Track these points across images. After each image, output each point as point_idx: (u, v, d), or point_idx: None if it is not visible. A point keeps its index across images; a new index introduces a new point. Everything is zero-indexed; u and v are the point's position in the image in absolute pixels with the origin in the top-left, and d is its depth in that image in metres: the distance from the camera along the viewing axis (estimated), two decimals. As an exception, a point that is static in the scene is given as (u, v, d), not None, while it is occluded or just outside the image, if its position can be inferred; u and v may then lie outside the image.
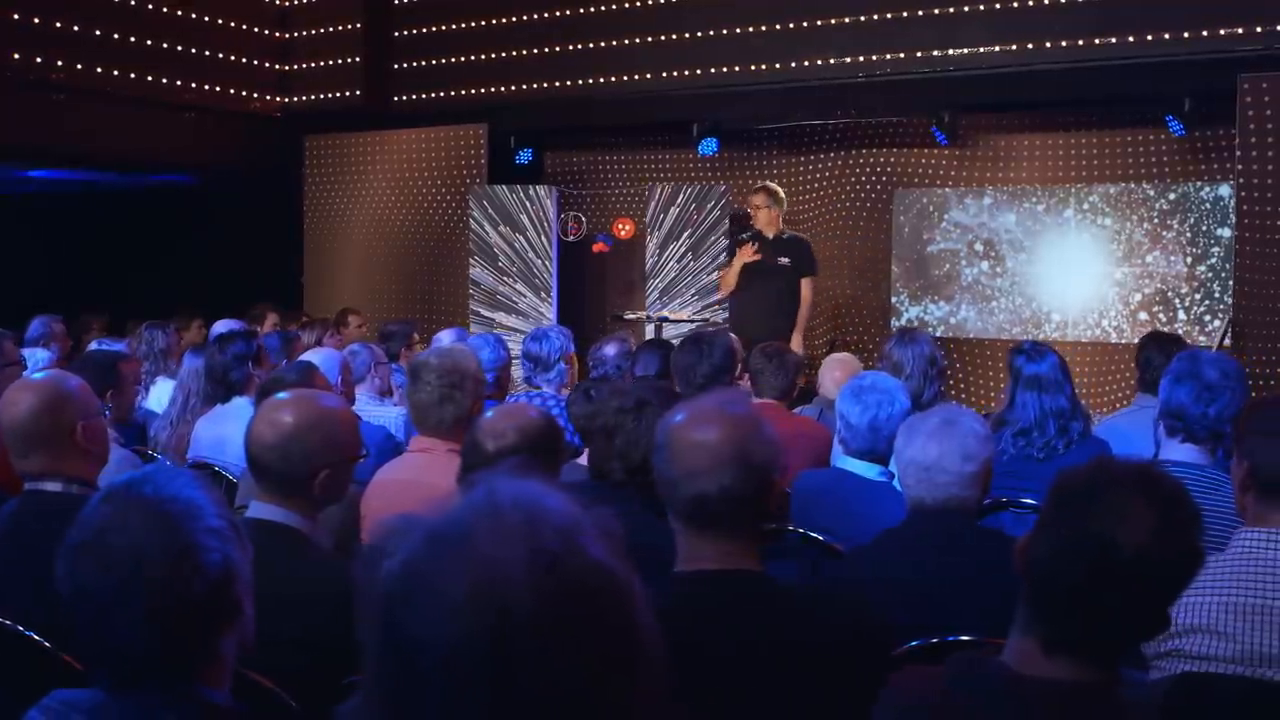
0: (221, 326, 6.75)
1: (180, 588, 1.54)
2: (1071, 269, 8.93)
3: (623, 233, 10.35)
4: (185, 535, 1.57)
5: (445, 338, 5.86)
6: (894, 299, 9.65)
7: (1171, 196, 8.63)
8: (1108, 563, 1.61)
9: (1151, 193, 8.69)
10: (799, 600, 2.16)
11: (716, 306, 9.34)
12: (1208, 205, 8.48)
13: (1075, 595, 1.64)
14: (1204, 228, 8.50)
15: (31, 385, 2.86)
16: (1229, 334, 7.40)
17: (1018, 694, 1.68)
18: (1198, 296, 8.55)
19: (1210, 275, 8.46)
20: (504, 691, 1.00)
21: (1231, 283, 7.77)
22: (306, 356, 4.95)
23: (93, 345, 6.36)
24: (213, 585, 1.57)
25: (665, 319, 8.33)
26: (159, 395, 6.26)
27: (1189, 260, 8.58)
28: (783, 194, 8.48)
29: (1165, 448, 3.39)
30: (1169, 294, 8.65)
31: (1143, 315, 8.70)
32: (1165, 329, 8.51)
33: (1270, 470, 2.48)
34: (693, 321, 8.50)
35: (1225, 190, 8.27)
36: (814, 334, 9.86)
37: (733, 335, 4.90)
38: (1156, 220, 8.68)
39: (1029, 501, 4.10)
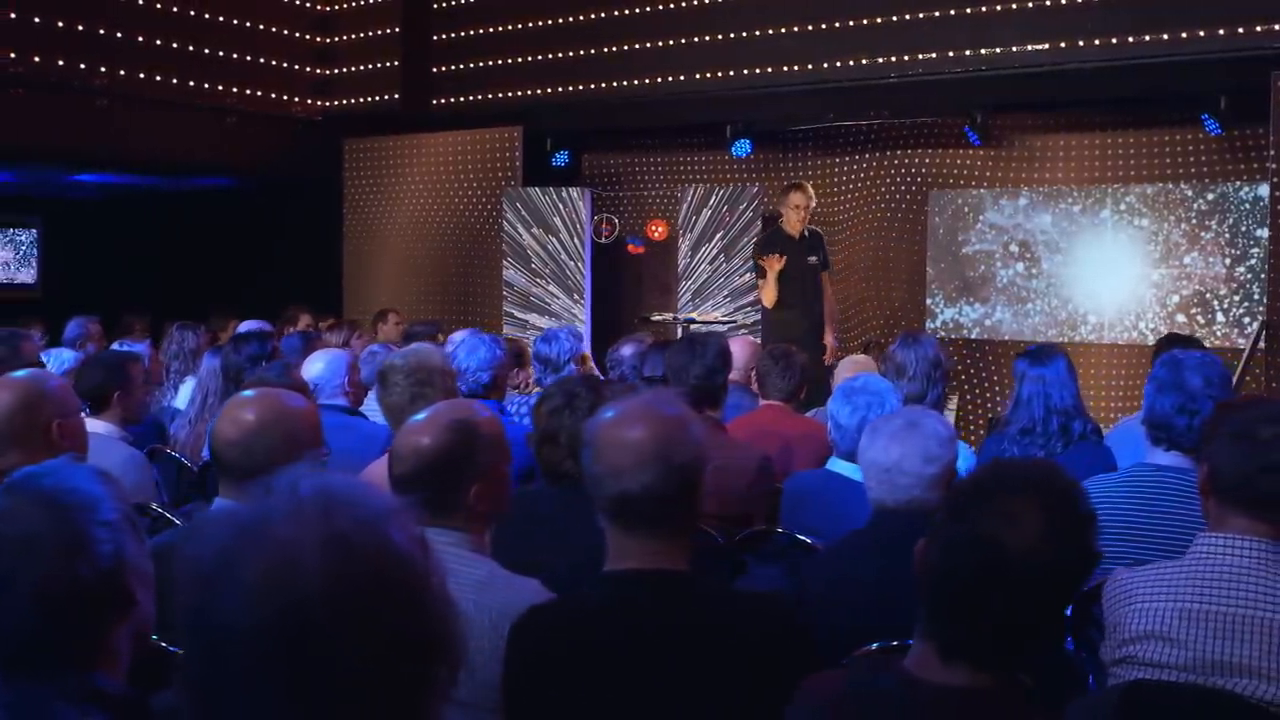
0: (246, 327, 6.84)
1: (70, 576, 1.58)
2: (1108, 270, 8.80)
3: (656, 234, 10.36)
4: (78, 526, 1.61)
5: (458, 338, 5.90)
6: (929, 300, 9.56)
7: (1210, 196, 8.47)
8: (997, 565, 1.59)
9: (1190, 193, 8.54)
10: (722, 602, 2.15)
11: (749, 308, 9.32)
12: (1247, 205, 8.32)
13: (966, 599, 1.62)
14: (1243, 228, 8.34)
15: (8, 383, 2.92)
16: (1263, 336, 7.24)
17: (912, 699, 1.66)
18: (1236, 298, 8.39)
19: (1249, 276, 8.30)
20: (300, 673, 1.03)
21: (1267, 284, 7.60)
22: (315, 357, 5.00)
23: (114, 346, 6.46)
24: (103, 575, 1.61)
25: (692, 320, 8.32)
26: (186, 395, 6.37)
27: (1228, 261, 8.42)
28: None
29: (1150, 452, 3.33)
30: (1207, 296, 8.49)
31: (1180, 317, 8.55)
32: (1203, 331, 8.38)
33: (1230, 474, 2.42)
34: (720, 323, 8.48)
35: (1265, 190, 8.10)
36: (849, 336, 9.80)
37: (752, 337, 4.89)
38: (1195, 221, 8.52)
39: (1030, 505, 4.06)
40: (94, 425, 4.51)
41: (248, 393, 2.80)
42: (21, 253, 12.49)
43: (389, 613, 1.06)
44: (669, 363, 4.32)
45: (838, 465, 3.85)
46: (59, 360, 6.04)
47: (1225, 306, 8.43)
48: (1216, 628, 2.34)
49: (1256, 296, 8.22)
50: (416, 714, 1.09)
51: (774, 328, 8.18)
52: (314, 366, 4.87)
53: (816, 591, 2.75)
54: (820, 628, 2.62)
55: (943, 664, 1.66)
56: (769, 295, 8.16)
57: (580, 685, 2.07)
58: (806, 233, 8.24)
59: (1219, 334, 8.40)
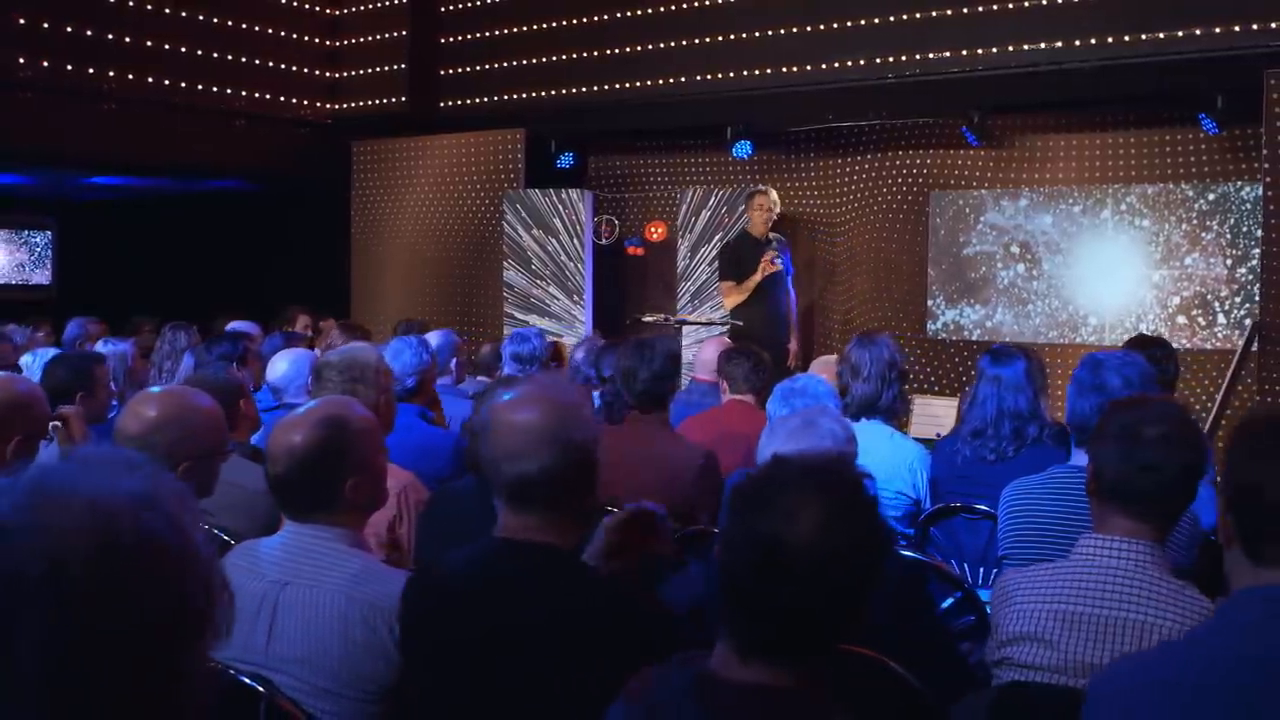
0: (232, 328, 6.91)
1: None
2: (1109, 271, 8.71)
3: (654, 235, 10.36)
4: None
5: (433, 339, 5.94)
6: (930, 302, 9.50)
7: (1211, 197, 8.37)
8: (778, 563, 1.58)
9: (1190, 193, 8.44)
10: (592, 583, 2.19)
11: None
12: (1248, 206, 8.21)
13: (752, 597, 1.62)
14: (1244, 229, 8.23)
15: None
16: (1255, 339, 7.14)
17: (712, 698, 1.66)
18: (1238, 299, 8.28)
19: (1250, 277, 8.18)
20: (56, 637, 1.06)
21: (1259, 285, 7.50)
22: (279, 357, 5.05)
23: (99, 344, 6.54)
24: None
25: (685, 321, 8.32)
26: (175, 394, 6.43)
27: (1229, 262, 8.31)
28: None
29: (1073, 454, 3.31)
30: (1208, 296, 8.39)
31: (1181, 319, 8.45)
32: (1204, 332, 8.29)
33: (1112, 474, 2.40)
34: (711, 324, 8.47)
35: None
36: (851, 337, 9.75)
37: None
38: (1195, 221, 8.42)
39: (981, 507, 4.02)
40: (55, 423, 4.60)
41: (154, 389, 2.84)
42: (36, 254, 12.71)
43: (145, 584, 1.09)
44: (618, 365, 4.33)
45: (775, 465, 3.84)
46: (43, 359, 6.12)
47: (1226, 308, 8.33)
48: (1090, 630, 2.32)
49: (1258, 298, 8.10)
50: (172, 681, 1.12)
51: (736, 328, 8.21)
52: (278, 366, 4.92)
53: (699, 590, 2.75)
54: (710, 626, 2.64)
55: (741, 663, 1.66)
56: (742, 296, 8.18)
57: (453, 643, 2.15)
58: (770, 238, 8.28)
59: (1220, 335, 8.30)
